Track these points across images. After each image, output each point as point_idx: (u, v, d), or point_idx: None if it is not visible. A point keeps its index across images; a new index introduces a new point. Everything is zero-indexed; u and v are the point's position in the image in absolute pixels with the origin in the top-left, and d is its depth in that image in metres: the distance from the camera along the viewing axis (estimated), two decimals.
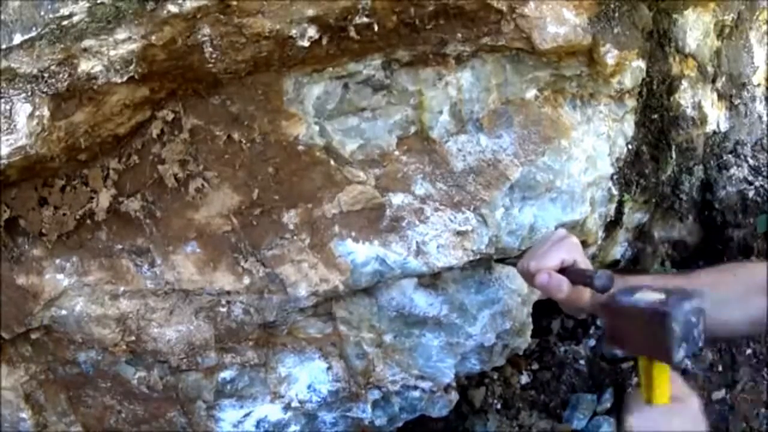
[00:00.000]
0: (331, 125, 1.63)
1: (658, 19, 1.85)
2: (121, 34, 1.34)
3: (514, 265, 1.72)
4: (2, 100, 1.36)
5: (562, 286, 1.29)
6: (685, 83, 1.99)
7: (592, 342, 2.32)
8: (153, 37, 1.36)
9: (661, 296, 1.12)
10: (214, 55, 1.44)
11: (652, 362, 1.13)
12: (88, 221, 1.64)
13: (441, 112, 1.64)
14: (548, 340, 2.35)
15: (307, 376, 1.86)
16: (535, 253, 1.39)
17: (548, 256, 1.33)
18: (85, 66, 1.37)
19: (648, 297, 1.13)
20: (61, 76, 1.37)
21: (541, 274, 1.31)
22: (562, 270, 1.32)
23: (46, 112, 1.40)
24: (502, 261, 1.75)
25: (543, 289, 1.33)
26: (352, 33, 1.46)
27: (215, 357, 1.79)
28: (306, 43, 1.44)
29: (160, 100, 1.55)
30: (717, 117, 2.15)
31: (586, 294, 1.33)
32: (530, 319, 1.92)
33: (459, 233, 1.69)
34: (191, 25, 1.38)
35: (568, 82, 1.69)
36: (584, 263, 1.35)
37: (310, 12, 1.40)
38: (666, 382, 1.13)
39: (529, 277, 1.38)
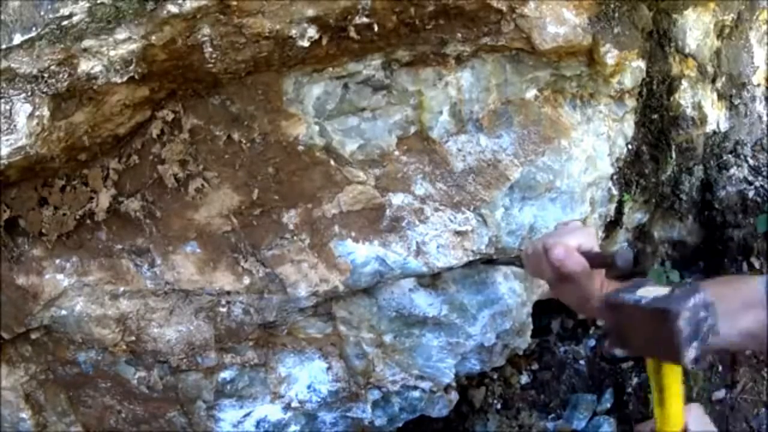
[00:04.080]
0: (331, 125, 1.63)
1: (658, 19, 1.85)
2: (121, 34, 1.34)
3: (510, 263, 1.71)
4: (2, 100, 1.36)
5: (579, 262, 1.24)
6: (685, 83, 1.99)
7: (592, 342, 2.32)
8: (153, 37, 1.36)
9: (666, 291, 1.04)
10: (214, 55, 1.44)
11: (661, 365, 1.05)
12: (88, 221, 1.64)
13: (441, 112, 1.64)
14: (548, 340, 2.35)
15: (307, 376, 1.86)
16: (552, 234, 1.36)
17: (567, 236, 1.31)
18: (85, 66, 1.37)
19: (652, 293, 1.05)
20: (61, 76, 1.37)
21: (558, 247, 1.26)
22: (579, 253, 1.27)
23: (46, 112, 1.40)
24: (494, 262, 1.74)
25: (558, 262, 1.26)
26: (352, 33, 1.46)
27: (215, 357, 1.79)
28: (306, 43, 1.44)
29: (160, 100, 1.55)
30: (717, 117, 2.15)
31: (596, 283, 1.29)
32: (530, 319, 1.92)
33: (459, 233, 1.69)
34: (191, 25, 1.38)
35: (568, 82, 1.69)
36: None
37: (310, 12, 1.40)
38: (678, 387, 1.05)
39: (540, 254, 1.31)
